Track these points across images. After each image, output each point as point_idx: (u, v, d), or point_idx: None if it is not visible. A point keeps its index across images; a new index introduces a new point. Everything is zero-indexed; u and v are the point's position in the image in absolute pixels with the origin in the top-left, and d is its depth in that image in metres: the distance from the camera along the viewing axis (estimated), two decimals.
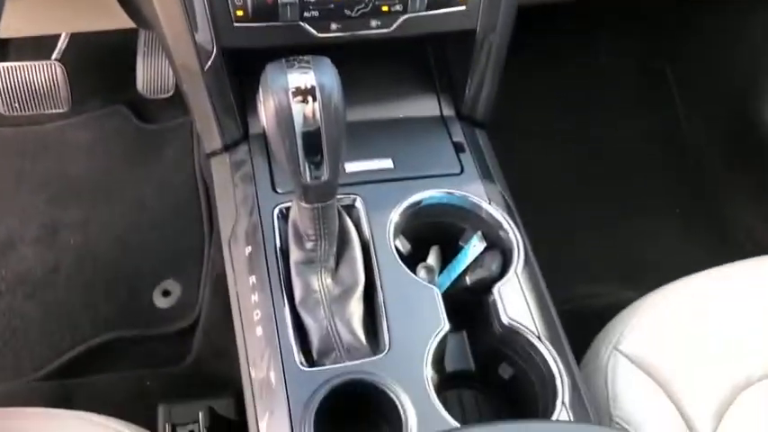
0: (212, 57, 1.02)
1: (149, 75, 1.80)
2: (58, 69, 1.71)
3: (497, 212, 1.02)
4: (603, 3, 1.74)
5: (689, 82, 2.01)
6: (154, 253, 1.72)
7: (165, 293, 1.66)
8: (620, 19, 1.94)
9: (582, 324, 1.10)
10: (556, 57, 1.99)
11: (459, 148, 1.12)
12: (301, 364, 0.86)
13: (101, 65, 1.90)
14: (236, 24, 0.99)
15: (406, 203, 1.02)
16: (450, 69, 1.21)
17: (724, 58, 1.92)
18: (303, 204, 0.86)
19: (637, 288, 1.20)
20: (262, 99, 0.79)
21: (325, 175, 0.82)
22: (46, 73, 1.71)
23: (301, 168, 0.81)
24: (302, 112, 0.77)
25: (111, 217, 1.77)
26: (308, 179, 0.82)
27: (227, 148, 1.12)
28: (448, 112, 1.19)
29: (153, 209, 1.78)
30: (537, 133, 1.92)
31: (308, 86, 0.77)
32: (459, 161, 1.10)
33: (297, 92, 0.76)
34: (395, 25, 1.02)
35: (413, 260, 1.02)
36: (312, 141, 0.79)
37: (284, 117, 0.77)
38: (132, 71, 1.82)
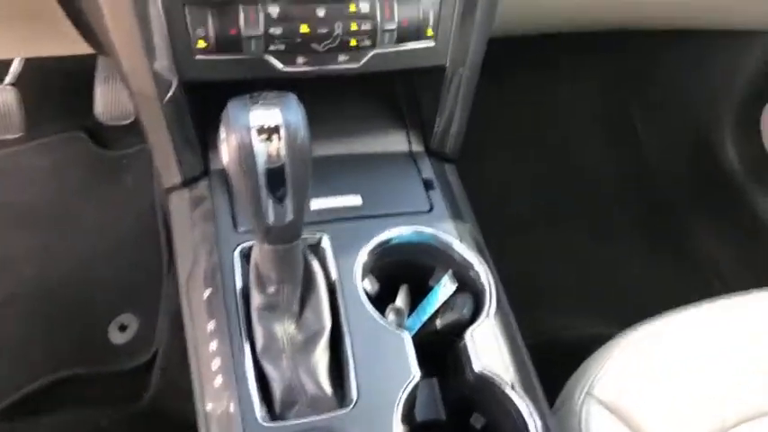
0: (172, 89, 0.97)
1: (108, 100, 1.75)
2: (12, 94, 1.65)
3: (468, 252, 0.99)
4: (569, 35, 1.75)
5: (653, 114, 2.03)
6: (111, 285, 1.66)
7: (122, 328, 1.60)
8: (585, 51, 1.95)
9: (554, 358, 1.08)
10: (523, 87, 1.99)
11: (428, 185, 1.09)
12: (263, 418, 0.81)
13: (58, 89, 1.84)
14: (197, 56, 0.95)
15: (374, 242, 0.98)
16: (418, 104, 1.18)
17: (686, 91, 1.94)
18: (265, 246, 0.82)
19: (607, 321, 1.19)
20: (224, 137, 0.75)
21: (289, 216, 0.78)
22: None
23: (263, 210, 0.77)
24: (266, 151, 0.73)
25: (67, 247, 1.70)
26: (271, 221, 0.78)
27: (187, 183, 1.07)
28: (417, 147, 1.16)
29: (111, 238, 1.73)
30: (503, 163, 1.91)
31: (273, 125, 0.73)
32: (429, 198, 1.07)
33: (261, 130, 0.73)
34: (363, 60, 0.99)
35: (381, 300, 0.99)
36: (276, 182, 0.75)
37: (246, 157, 0.73)
38: (91, 96, 1.76)
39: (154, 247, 1.70)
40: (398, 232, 1.00)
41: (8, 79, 1.68)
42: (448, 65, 1.06)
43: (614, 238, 1.88)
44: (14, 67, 1.69)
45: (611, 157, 2.02)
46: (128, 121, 1.78)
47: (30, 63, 1.72)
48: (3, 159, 1.81)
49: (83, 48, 1.30)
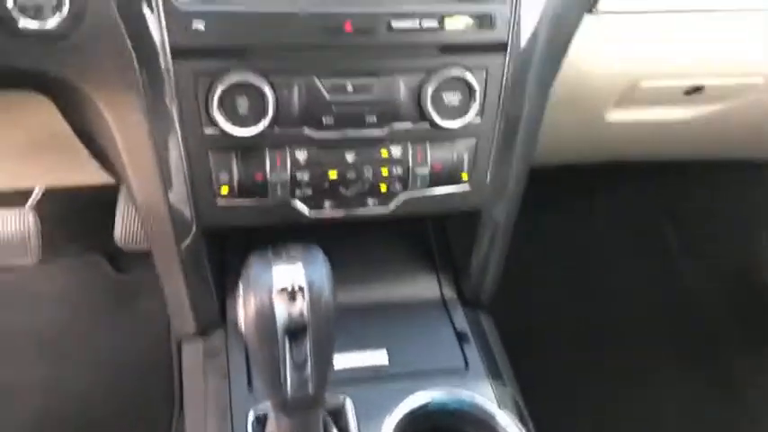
0: (191, 235, 0.92)
1: (128, 225, 1.71)
2: (31, 218, 1.61)
3: (512, 426, 0.88)
4: (603, 164, 1.71)
5: (691, 243, 1.96)
6: (117, 420, 1.57)
7: None
8: (620, 177, 1.90)
9: None
10: (556, 214, 1.93)
11: (462, 338, 1.01)
12: None
13: (78, 213, 1.82)
14: (219, 202, 0.89)
15: (402, 409, 0.88)
16: (450, 245, 1.11)
17: (725, 220, 1.88)
18: (282, 418, 0.73)
19: None
20: (242, 295, 0.68)
21: (309, 387, 0.69)
22: (17, 221, 1.62)
23: (282, 379, 0.68)
24: (287, 314, 0.66)
25: (75, 377, 1.63)
26: (290, 393, 0.69)
27: (202, 332, 0.99)
28: (449, 293, 1.08)
29: (121, 368, 1.65)
30: (535, 295, 1.82)
31: (296, 286, 0.66)
32: (464, 354, 0.98)
33: (282, 291, 0.66)
34: (393, 204, 0.93)
35: None
36: (297, 349, 0.67)
37: (266, 322, 0.66)
38: (111, 219, 1.73)
39: (165, 378, 1.60)
40: (430, 397, 0.90)
41: (29, 203, 1.65)
42: (483, 206, 1.00)
43: (654, 371, 1.76)
44: (36, 192, 1.67)
45: (648, 286, 1.93)
46: (147, 247, 1.73)
47: (51, 187, 1.70)
48: (17, 282, 1.76)
49: (103, 177, 1.27)
